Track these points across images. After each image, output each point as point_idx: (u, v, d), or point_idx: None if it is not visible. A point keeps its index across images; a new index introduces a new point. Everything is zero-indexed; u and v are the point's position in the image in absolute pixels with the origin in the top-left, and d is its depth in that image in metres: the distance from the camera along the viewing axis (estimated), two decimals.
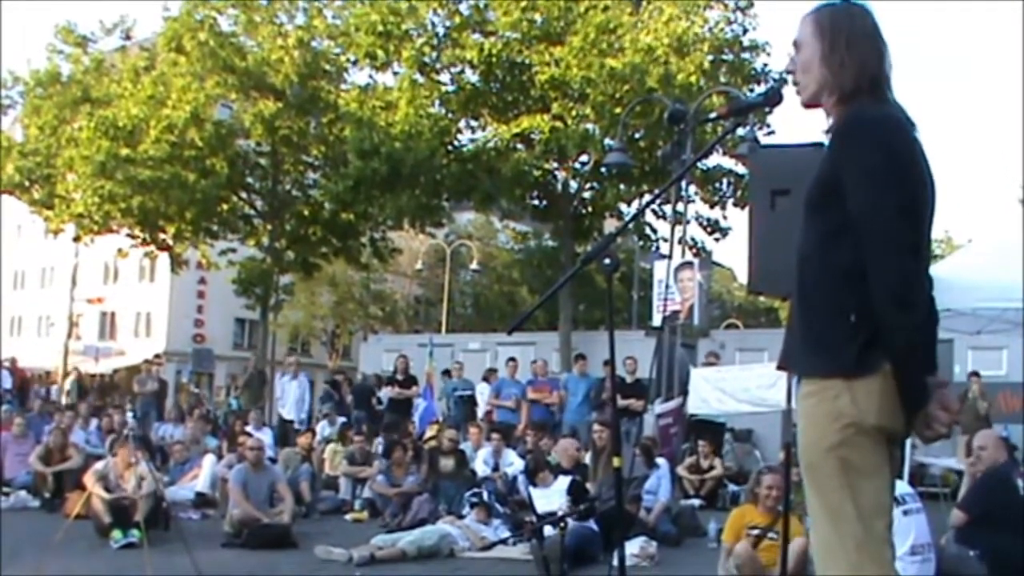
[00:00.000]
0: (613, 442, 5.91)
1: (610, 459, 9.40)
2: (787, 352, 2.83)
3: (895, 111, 2.70)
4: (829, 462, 2.59)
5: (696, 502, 11.95)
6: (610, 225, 25.04)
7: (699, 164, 20.02)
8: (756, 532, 6.95)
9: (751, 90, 20.61)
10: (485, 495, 10.21)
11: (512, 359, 16.70)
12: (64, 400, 23.74)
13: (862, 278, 2.54)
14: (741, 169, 21.04)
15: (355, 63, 24.09)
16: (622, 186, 21.99)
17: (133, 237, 27.14)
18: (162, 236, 26.91)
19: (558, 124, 20.03)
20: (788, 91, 3.10)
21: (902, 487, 6.15)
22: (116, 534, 8.91)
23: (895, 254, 2.50)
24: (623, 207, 23.11)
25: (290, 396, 17.06)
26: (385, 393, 17.20)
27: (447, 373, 18.28)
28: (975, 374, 14.34)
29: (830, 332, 2.62)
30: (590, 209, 23.35)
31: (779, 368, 2.94)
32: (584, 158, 21.93)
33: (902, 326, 2.49)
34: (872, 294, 2.51)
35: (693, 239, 21.75)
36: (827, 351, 2.62)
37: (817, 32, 2.77)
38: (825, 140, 2.79)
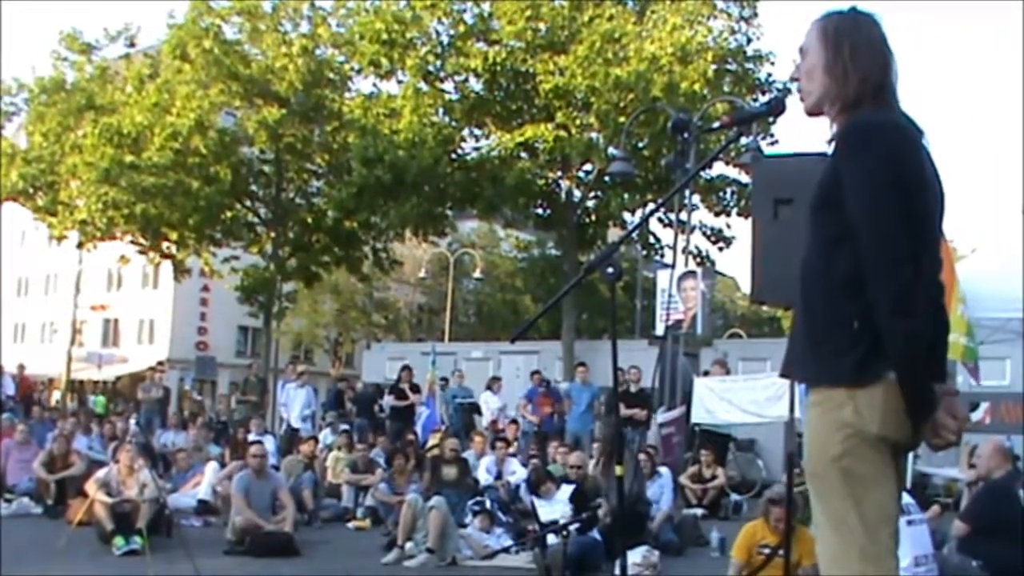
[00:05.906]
0: (616, 450, 5.91)
1: (611, 467, 9.49)
2: (790, 360, 2.82)
3: (899, 118, 2.67)
4: (833, 472, 2.57)
5: (698, 511, 11.93)
6: (614, 234, 25.02)
7: (703, 173, 20.02)
8: (767, 552, 6.91)
9: (755, 100, 20.63)
10: (488, 503, 10.21)
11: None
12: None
13: (863, 286, 2.51)
14: (745, 178, 21.05)
15: (359, 71, 24.13)
16: (626, 195, 22.00)
17: (136, 244, 27.14)
18: (165, 243, 26.91)
19: (562, 133, 20.04)
20: (791, 101, 3.10)
21: (904, 497, 6.13)
22: (118, 541, 8.91)
23: (892, 262, 2.47)
24: (627, 216, 23.13)
25: (296, 404, 16.93)
26: (387, 402, 17.21)
27: (445, 381, 18.20)
28: None
29: (832, 341, 2.60)
30: (594, 218, 23.37)
31: (782, 375, 2.93)
32: (588, 167, 21.96)
33: (901, 335, 2.45)
34: (872, 302, 2.49)
35: (697, 248, 21.77)
36: (830, 360, 2.60)
37: (821, 39, 2.75)
38: (827, 148, 2.78)
